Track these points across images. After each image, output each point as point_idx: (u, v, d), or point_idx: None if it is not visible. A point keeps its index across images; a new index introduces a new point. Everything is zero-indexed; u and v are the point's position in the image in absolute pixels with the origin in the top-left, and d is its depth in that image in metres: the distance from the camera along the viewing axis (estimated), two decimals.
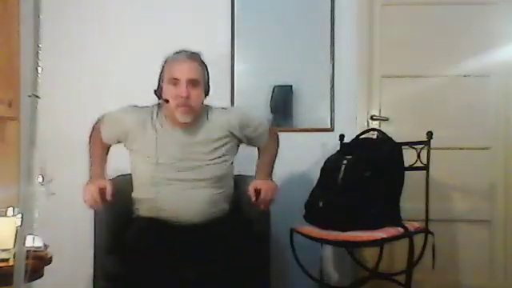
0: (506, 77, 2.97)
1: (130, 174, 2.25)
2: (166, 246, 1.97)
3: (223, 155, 2.21)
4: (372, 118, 2.98)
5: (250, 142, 2.33)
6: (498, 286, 2.96)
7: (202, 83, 2.16)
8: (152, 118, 2.18)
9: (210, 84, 2.23)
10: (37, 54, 1.53)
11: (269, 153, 2.35)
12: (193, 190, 2.13)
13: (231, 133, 2.23)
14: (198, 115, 2.18)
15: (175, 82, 2.10)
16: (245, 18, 2.98)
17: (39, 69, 1.53)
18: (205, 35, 2.87)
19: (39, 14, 1.53)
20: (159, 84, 2.18)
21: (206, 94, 2.22)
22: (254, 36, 2.99)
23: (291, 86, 2.97)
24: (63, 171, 2.20)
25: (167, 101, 2.12)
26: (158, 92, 2.18)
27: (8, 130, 2.73)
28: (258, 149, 2.37)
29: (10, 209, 2.07)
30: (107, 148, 2.31)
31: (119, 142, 2.25)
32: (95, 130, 2.29)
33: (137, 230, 2.08)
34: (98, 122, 2.29)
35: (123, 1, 2.99)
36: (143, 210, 2.18)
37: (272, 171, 2.32)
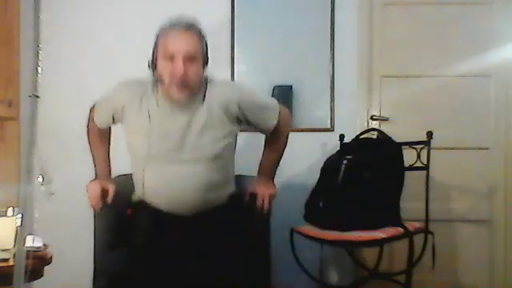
0: (506, 77, 2.97)
1: (131, 174, 2.24)
2: (156, 235, 1.93)
3: (223, 135, 2.02)
4: (372, 118, 2.98)
5: (254, 126, 2.12)
6: (498, 286, 2.96)
7: (200, 58, 1.95)
8: (147, 94, 2.01)
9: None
10: (37, 54, 1.53)
11: (276, 148, 2.18)
12: (188, 172, 1.97)
13: (230, 112, 2.02)
14: (195, 92, 1.98)
15: (170, 57, 1.91)
16: (245, 17, 2.98)
17: (39, 69, 1.53)
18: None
19: (39, 14, 1.53)
20: (153, 55, 1.98)
21: (205, 65, 2.01)
22: (254, 36, 2.99)
23: (291, 86, 2.97)
24: (63, 171, 2.19)
25: (161, 77, 1.94)
26: (153, 65, 1.99)
27: (8, 129, 2.73)
28: (266, 139, 2.20)
29: (10, 209, 2.07)
30: (107, 139, 2.21)
31: (115, 121, 2.12)
32: (89, 122, 2.21)
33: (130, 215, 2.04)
34: (90, 112, 2.20)
35: (123, 1, 2.99)
36: (138, 194, 2.08)
37: (276, 170, 2.20)
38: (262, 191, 2.10)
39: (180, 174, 1.97)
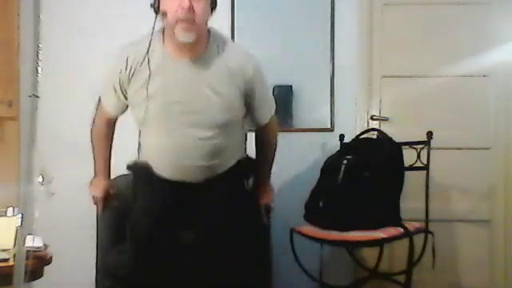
0: (506, 77, 2.97)
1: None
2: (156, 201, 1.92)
3: (231, 101, 1.88)
4: (372, 118, 2.98)
5: (251, 112, 1.99)
6: (498, 285, 2.96)
7: None
8: (151, 50, 1.84)
9: None
10: (37, 54, 1.53)
11: (269, 150, 2.12)
12: (192, 137, 1.85)
13: (237, 83, 1.88)
14: (201, 36, 1.82)
15: None
16: (245, 17, 2.98)
17: (39, 69, 1.53)
18: None
19: (39, 14, 1.53)
20: None
21: (213, 8, 1.86)
22: (253, 36, 2.99)
23: (291, 86, 2.97)
24: (63, 171, 2.20)
25: (165, 14, 1.77)
26: (156, 4, 1.81)
27: (8, 129, 2.73)
28: (257, 145, 2.13)
29: (10, 209, 2.08)
30: (111, 137, 2.11)
31: (121, 97, 1.95)
32: (96, 113, 2.09)
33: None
34: (97, 104, 2.09)
35: (124, 1, 3.00)
36: (141, 157, 2.00)
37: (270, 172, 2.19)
38: (265, 201, 2.14)
39: (183, 139, 1.86)
